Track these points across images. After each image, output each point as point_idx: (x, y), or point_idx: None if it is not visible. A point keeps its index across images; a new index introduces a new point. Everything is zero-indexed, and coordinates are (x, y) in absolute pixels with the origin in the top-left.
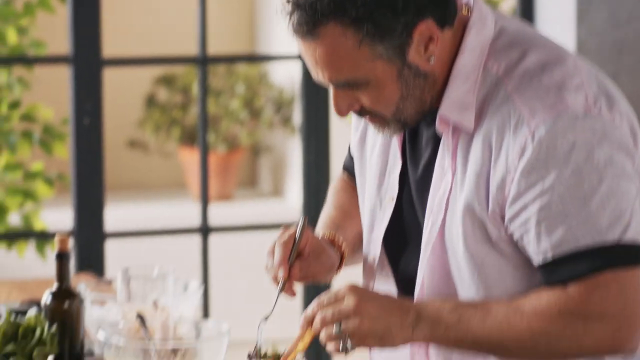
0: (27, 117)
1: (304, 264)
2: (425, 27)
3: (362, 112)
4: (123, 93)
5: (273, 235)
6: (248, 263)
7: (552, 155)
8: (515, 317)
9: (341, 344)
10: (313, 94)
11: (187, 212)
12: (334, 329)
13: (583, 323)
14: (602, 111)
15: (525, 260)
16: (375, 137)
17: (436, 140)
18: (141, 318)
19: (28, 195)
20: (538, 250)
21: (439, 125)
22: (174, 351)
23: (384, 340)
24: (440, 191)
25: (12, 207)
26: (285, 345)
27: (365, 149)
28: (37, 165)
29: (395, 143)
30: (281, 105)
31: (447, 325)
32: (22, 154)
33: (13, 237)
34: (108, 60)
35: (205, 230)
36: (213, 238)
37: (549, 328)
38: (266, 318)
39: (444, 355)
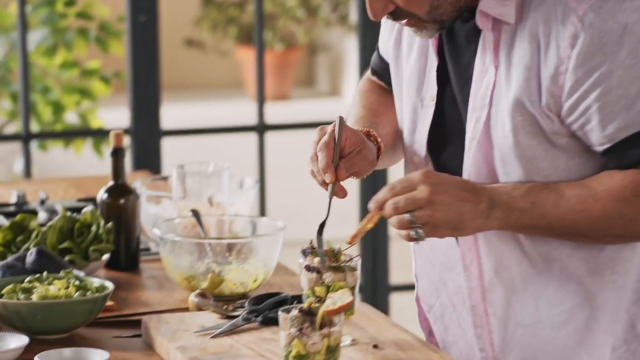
0: (83, 15)
1: (348, 163)
2: None
3: (396, 14)
4: None
5: None
6: (304, 162)
7: (604, 40)
8: (589, 199)
9: (412, 233)
10: None
11: (244, 112)
12: (405, 216)
13: None
14: None
15: (581, 148)
16: (412, 38)
17: (475, 36)
18: (196, 214)
19: (85, 93)
20: (603, 136)
21: (479, 20)
22: (229, 247)
23: (456, 229)
24: (482, 87)
25: (69, 105)
26: (340, 243)
27: (401, 50)
28: (93, 64)
29: (431, 41)
30: (338, 3)
31: (521, 210)
32: (78, 52)
33: (70, 135)
34: None
35: (261, 128)
36: (269, 137)
37: (624, 210)
38: (323, 224)
39: (494, 254)
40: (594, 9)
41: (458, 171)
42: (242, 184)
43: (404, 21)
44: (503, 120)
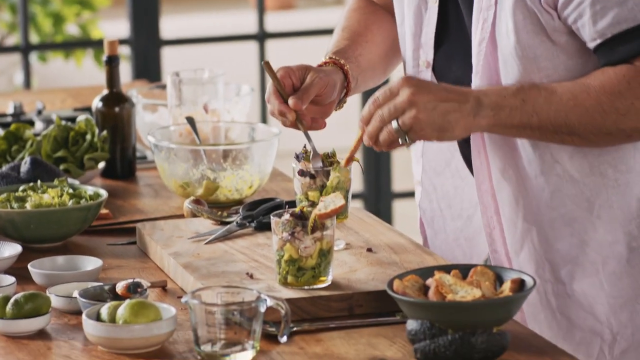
0: None
1: (301, 92)
2: None
3: None
4: None
5: None
6: None
7: None
8: (582, 94)
9: (400, 140)
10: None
11: (248, 22)
12: (391, 125)
13: None
14: None
15: (580, 48)
16: None
17: None
18: (191, 121)
19: (85, 4)
20: (595, 30)
21: None
22: (224, 154)
23: (443, 130)
24: None
25: (69, 17)
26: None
27: None
28: None
29: None
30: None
31: (512, 108)
32: None
33: (70, 46)
34: None
35: (261, 36)
36: (273, 46)
37: (617, 103)
38: (307, 152)
39: (499, 155)
40: None
41: (465, 75)
42: (239, 91)
43: None
44: (507, 20)
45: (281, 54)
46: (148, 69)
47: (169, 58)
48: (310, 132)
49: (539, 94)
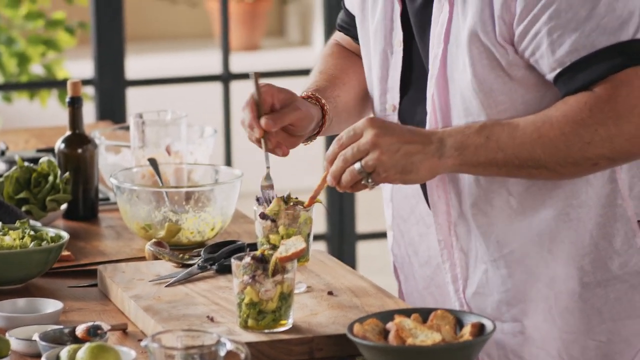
0: None
1: (277, 115)
2: None
3: None
4: None
5: (299, 82)
6: None
7: None
8: (545, 125)
9: (363, 181)
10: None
11: (214, 63)
12: (354, 166)
13: (614, 121)
14: None
15: (537, 81)
16: None
17: None
18: (154, 163)
19: (50, 44)
20: (553, 60)
21: None
22: (187, 196)
23: (407, 172)
24: (439, 25)
25: (34, 57)
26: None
27: (367, 1)
28: (58, 14)
29: None
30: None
31: (476, 146)
32: (42, 3)
33: (35, 86)
34: None
35: (226, 77)
36: (237, 86)
37: (581, 130)
38: (266, 176)
39: (456, 189)
40: None
41: (422, 115)
42: (203, 133)
43: None
44: (462, 55)
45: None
46: (113, 109)
47: (134, 98)
48: (270, 156)
49: (502, 130)
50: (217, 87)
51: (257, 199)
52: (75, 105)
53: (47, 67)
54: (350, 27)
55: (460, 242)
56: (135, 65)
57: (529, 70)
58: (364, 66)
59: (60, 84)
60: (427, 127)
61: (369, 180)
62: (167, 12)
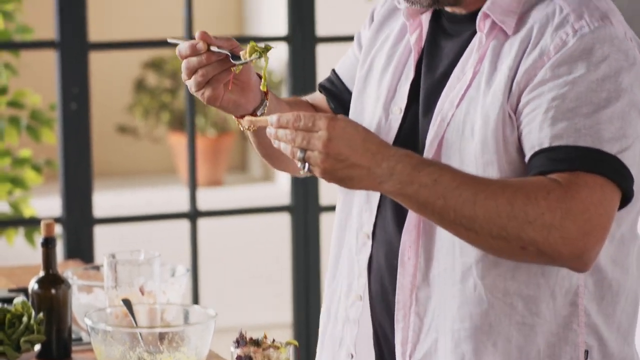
0: (15, 104)
1: (215, 40)
2: None
3: None
4: (112, 78)
5: (263, 220)
6: (238, 248)
7: (586, 56)
8: (498, 189)
9: (300, 165)
10: (300, 77)
11: (178, 198)
12: (297, 151)
13: (562, 214)
14: (636, 48)
15: (517, 167)
16: (389, 57)
17: (458, 52)
18: (128, 304)
19: (16, 182)
20: (538, 137)
21: (479, 21)
22: (161, 336)
23: (342, 182)
24: (455, 90)
25: (0, 194)
26: (275, 334)
27: (372, 73)
28: (25, 152)
29: (412, 58)
30: (270, 88)
31: (421, 185)
32: (10, 141)
33: (2, 224)
34: (94, 44)
35: (193, 215)
36: (203, 223)
37: (529, 208)
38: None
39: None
40: (591, 27)
41: None
42: (174, 272)
43: None
44: (472, 120)
45: (213, 231)
46: (80, 247)
47: (100, 235)
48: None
49: (453, 180)
50: (183, 224)
51: (236, 341)
52: (49, 245)
53: (13, 204)
54: (332, 88)
55: (419, 306)
56: (99, 200)
57: (518, 154)
58: None
59: (27, 222)
60: None
61: (305, 169)
62: (130, 147)
